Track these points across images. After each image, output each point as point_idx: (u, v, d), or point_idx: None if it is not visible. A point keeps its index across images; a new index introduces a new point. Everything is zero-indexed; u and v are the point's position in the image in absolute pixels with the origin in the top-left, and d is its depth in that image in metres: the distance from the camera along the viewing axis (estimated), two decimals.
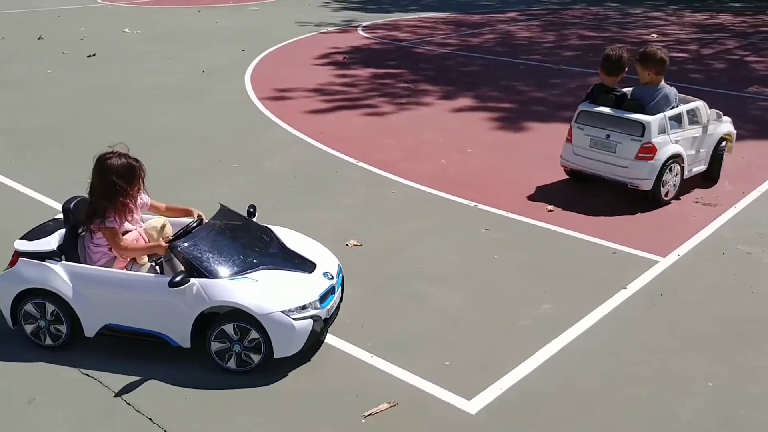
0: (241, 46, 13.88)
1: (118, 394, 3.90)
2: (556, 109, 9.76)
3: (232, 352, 4.02)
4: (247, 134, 8.68)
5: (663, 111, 6.49)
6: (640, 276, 5.20)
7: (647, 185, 6.40)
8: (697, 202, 6.64)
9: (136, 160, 4.33)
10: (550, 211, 6.42)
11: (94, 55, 12.97)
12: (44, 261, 4.20)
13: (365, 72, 12.00)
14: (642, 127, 6.36)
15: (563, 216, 6.31)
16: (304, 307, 4.02)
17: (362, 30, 16.45)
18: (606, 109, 6.62)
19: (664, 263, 5.42)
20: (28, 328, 4.27)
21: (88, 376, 4.07)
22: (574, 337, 4.45)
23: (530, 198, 6.75)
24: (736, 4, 22.09)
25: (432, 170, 7.47)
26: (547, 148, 8.13)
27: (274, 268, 4.22)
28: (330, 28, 16.56)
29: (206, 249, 4.18)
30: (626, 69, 6.75)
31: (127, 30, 15.77)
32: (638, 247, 5.68)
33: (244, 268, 4.14)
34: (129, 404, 3.83)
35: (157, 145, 8.17)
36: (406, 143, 8.38)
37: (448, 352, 4.28)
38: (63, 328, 4.22)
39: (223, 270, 4.08)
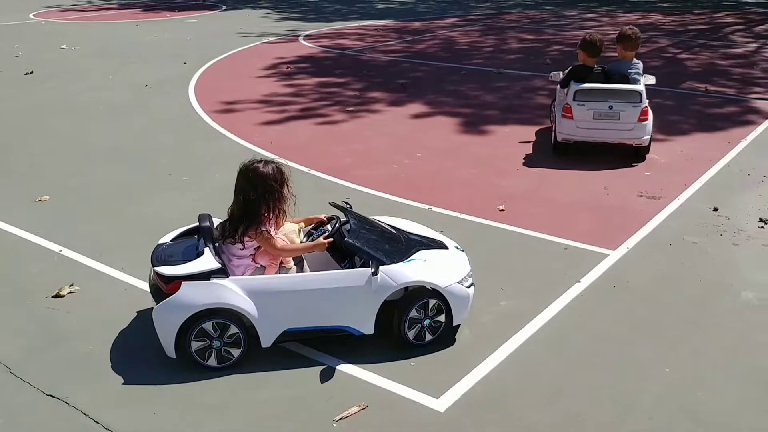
0: (182, 59, 13.73)
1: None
2: (502, 112, 9.96)
3: (423, 327, 4.33)
4: (194, 147, 8.61)
5: (638, 81, 7.74)
6: (592, 269, 5.35)
7: (647, 142, 7.75)
8: (641, 195, 6.86)
9: (281, 164, 4.36)
10: (502, 210, 6.55)
11: (31, 72, 12.66)
12: (210, 280, 4.08)
13: (311, 81, 12.02)
14: (639, 95, 7.60)
15: (515, 215, 6.45)
16: (466, 277, 4.46)
17: (305, 39, 16.46)
18: (604, 85, 7.67)
19: (614, 256, 5.59)
20: (196, 345, 4.09)
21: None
22: (534, 330, 4.56)
23: (482, 199, 6.87)
24: (665, 4, 22.88)
25: (383, 175, 7.54)
26: (495, 150, 8.32)
27: (425, 249, 4.54)
28: (272, 38, 16.52)
29: (365, 241, 4.40)
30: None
31: (64, 46, 15.43)
32: (588, 241, 5.85)
33: (404, 253, 4.42)
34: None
35: (103, 161, 8.03)
36: (356, 150, 8.43)
37: (413, 352, 4.33)
38: (236, 351, 4.15)
39: (392, 256, 4.35)
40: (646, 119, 7.63)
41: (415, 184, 7.29)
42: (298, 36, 16.93)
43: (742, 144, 8.42)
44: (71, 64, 13.71)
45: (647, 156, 7.92)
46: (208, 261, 4.14)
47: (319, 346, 4.38)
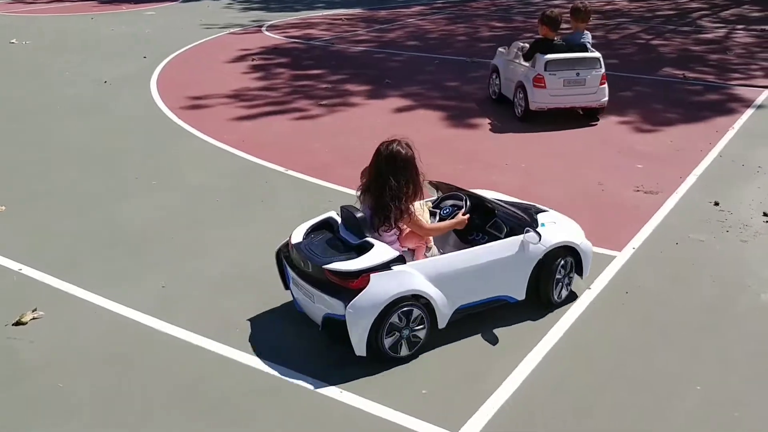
0: (142, 53, 13.10)
1: None
2: (481, 103, 9.61)
3: (563, 285, 4.60)
4: (161, 147, 8.08)
5: (590, 49, 8.56)
6: (601, 274, 5.03)
7: (606, 103, 8.57)
8: (638, 190, 6.57)
9: (409, 140, 4.31)
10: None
11: None
12: (391, 269, 3.97)
13: (281, 73, 11.52)
14: (599, 61, 8.43)
15: None
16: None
17: (271, 30, 15.91)
18: (571, 54, 8.35)
19: (621, 258, 5.28)
20: (388, 342, 3.98)
21: None
22: (551, 345, 4.21)
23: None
24: None
25: None
26: (478, 144, 7.95)
27: (541, 213, 4.76)
28: (236, 29, 15.93)
29: (503, 212, 4.68)
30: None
31: (14, 41, 14.64)
32: (592, 243, 5.52)
33: (534, 219, 4.55)
34: None
35: (65, 164, 7.48)
36: (335, 146, 8.00)
37: (422, 379, 3.94)
38: (422, 333, 4.10)
39: (532, 222, 4.48)
40: (605, 83, 8.51)
41: None
42: (263, 26, 16.37)
43: (730, 133, 8.20)
44: (24, 59, 12.98)
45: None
46: (385, 250, 4.02)
47: (319, 374, 3.96)
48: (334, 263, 3.96)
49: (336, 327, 3.94)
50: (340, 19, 17.49)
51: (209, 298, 4.78)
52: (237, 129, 8.69)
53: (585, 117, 8.76)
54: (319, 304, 4.04)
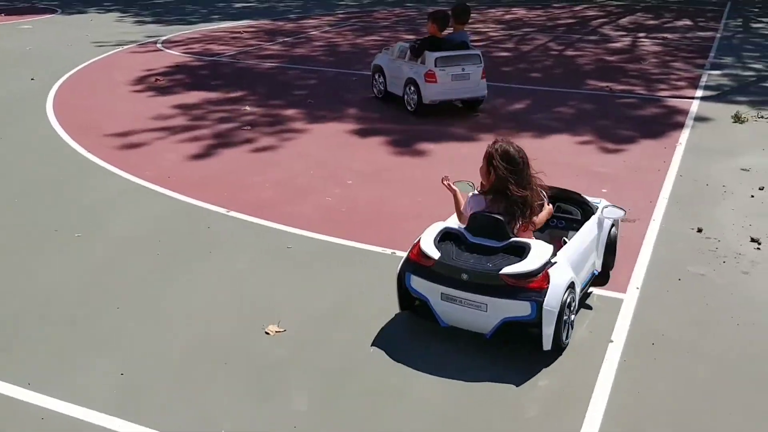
0: (28, 74, 11.72)
1: None
2: (419, 124, 9.06)
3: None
4: (75, 189, 7.01)
5: (472, 47, 9.41)
6: (616, 322, 4.56)
7: (486, 95, 9.47)
8: None
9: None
10: None
11: None
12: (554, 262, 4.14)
13: (193, 95, 10.54)
14: (480, 57, 9.24)
15: None
16: None
17: (168, 45, 14.76)
18: (457, 51, 9.04)
19: (629, 301, 4.84)
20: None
21: None
22: (597, 418, 3.66)
23: None
24: None
25: (319, 212, 6.41)
26: (428, 172, 7.32)
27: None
28: (131, 46, 14.66)
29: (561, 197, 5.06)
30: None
31: None
32: (594, 284, 5.08)
33: (585, 199, 5.06)
34: None
35: None
36: (276, 179, 7.21)
37: None
38: (573, 318, 4.29)
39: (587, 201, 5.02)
40: (485, 77, 9.30)
41: (360, 221, 6.23)
42: (158, 42, 15.18)
43: (680, 149, 8.06)
44: None
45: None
46: (542, 246, 4.18)
47: None
48: (508, 267, 4.02)
49: (514, 329, 4.10)
50: (240, 32, 16.53)
51: (177, 389, 3.93)
52: (157, 162, 7.73)
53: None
54: (495, 311, 4.06)
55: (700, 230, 5.93)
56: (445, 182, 4.66)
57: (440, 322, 4.27)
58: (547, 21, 18.29)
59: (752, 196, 6.69)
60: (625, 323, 4.57)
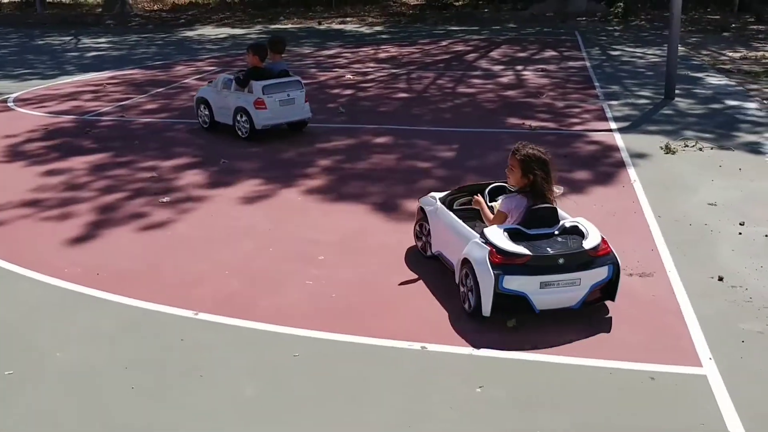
0: None
1: None
2: (368, 179, 8.25)
3: None
4: None
5: (292, 74, 10.12)
6: (719, 407, 4.02)
7: (310, 116, 10.28)
8: (630, 274, 5.72)
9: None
10: (513, 327, 4.93)
11: None
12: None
13: (81, 164, 9.05)
14: (300, 83, 9.98)
15: (518, 336, 4.85)
16: None
17: (23, 104, 12.87)
18: (280, 79, 9.73)
19: (712, 376, 4.33)
20: None
21: None
22: None
23: (458, 320, 5.10)
24: (384, 36, 22.86)
25: (307, 302, 5.43)
26: (402, 236, 6.53)
27: None
28: None
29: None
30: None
31: None
32: (659, 359, 4.53)
33: None
34: None
35: None
36: (229, 264, 6.11)
37: None
38: None
39: None
40: (308, 100, 10.12)
41: (360, 308, 5.33)
42: (7, 100, 13.23)
43: (638, 187, 7.84)
44: None
45: None
46: (585, 222, 5.17)
47: None
48: (586, 243, 4.87)
49: (603, 292, 5.02)
50: (103, 85, 14.85)
51: None
52: (72, 255, 6.35)
53: None
54: (586, 282, 4.83)
55: (721, 279, 5.62)
56: (476, 205, 5.40)
57: (534, 310, 4.83)
58: (423, 57, 18.06)
59: (740, 234, 6.52)
60: (729, 408, 4.04)
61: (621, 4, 25.24)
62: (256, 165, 8.93)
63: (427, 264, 5.97)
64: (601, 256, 4.87)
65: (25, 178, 8.58)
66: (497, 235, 4.84)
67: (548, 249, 4.80)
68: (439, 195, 5.92)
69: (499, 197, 5.34)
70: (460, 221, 5.42)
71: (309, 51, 19.49)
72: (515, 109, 11.87)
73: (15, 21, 29.52)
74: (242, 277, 5.86)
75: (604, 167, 8.66)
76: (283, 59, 10.22)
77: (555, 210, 5.06)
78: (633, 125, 10.65)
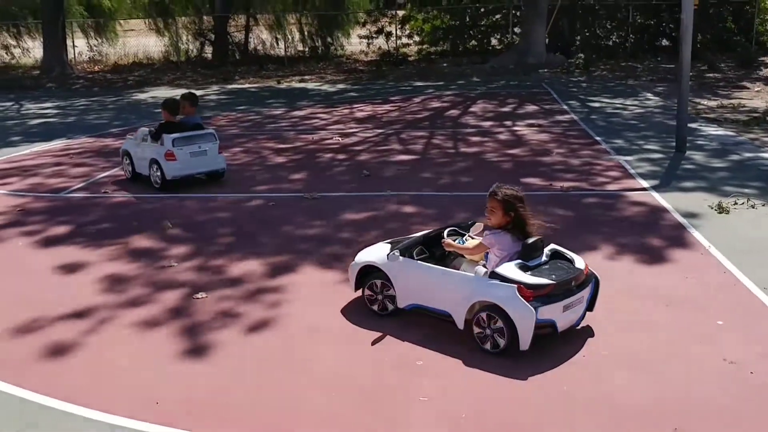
0: None
1: None
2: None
3: None
4: None
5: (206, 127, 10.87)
6: None
7: (225, 167, 10.78)
8: (752, 372, 4.98)
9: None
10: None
11: None
12: None
13: (72, 253, 7.82)
14: (214, 135, 10.56)
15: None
16: None
17: None
18: (192, 132, 10.27)
19: None
20: None
21: None
22: None
23: None
24: (354, 94, 22.19)
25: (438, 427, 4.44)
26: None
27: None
28: None
29: None
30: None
31: None
32: None
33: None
34: None
35: None
36: (326, 379, 5.06)
37: None
38: None
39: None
40: (222, 152, 10.76)
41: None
42: None
43: (716, 252, 7.23)
44: None
45: None
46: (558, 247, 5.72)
47: None
48: (579, 265, 5.47)
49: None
50: (70, 155, 13.53)
51: None
52: (105, 376, 5.18)
53: None
54: (585, 299, 5.45)
55: None
56: (448, 248, 5.69)
57: (557, 333, 5.21)
58: (404, 115, 17.37)
59: None
60: None
61: (581, 55, 25.42)
62: (277, 241, 7.91)
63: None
64: (588, 274, 5.49)
65: (20, 274, 7.31)
66: (514, 272, 5.13)
67: (552, 275, 5.20)
68: (386, 251, 5.79)
69: (469, 236, 5.84)
70: (441, 267, 5.56)
71: (280, 112, 18.58)
72: (531, 168, 11.25)
73: None
74: (291, 414, 4.82)
75: (666, 231, 8.01)
76: (195, 114, 10.76)
77: (542, 241, 5.44)
78: (664, 183, 10.14)
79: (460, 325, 5.41)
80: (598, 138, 13.50)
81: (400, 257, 5.64)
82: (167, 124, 10.24)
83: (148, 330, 5.92)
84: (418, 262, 5.71)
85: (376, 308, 6.00)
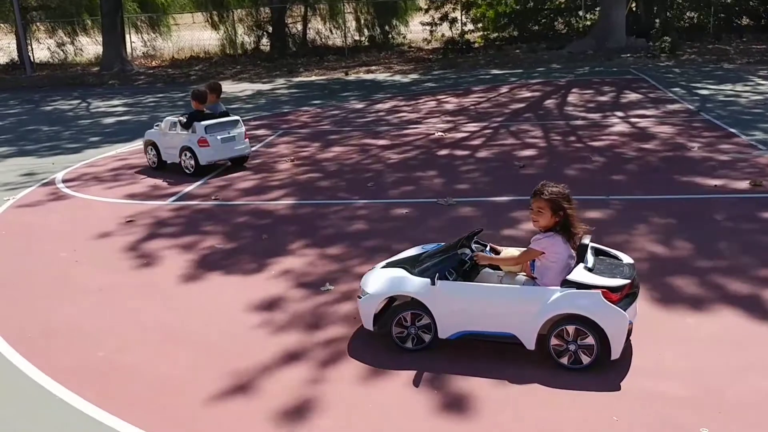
0: None
1: None
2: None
3: None
4: None
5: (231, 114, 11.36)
6: None
7: (250, 152, 11.54)
8: None
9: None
10: None
11: None
12: None
13: (214, 266, 6.93)
14: (239, 122, 11.18)
15: None
16: None
17: (77, 187, 10.67)
18: (221, 119, 10.89)
19: None
20: None
21: None
22: None
23: None
24: (431, 85, 21.12)
25: None
26: None
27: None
28: (19, 195, 10.41)
29: None
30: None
31: None
32: None
33: None
34: None
35: None
36: None
37: None
38: None
39: None
40: (247, 137, 11.34)
41: None
42: (55, 183, 11.03)
43: None
44: None
45: None
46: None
47: None
48: (625, 259, 5.15)
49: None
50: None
51: None
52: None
53: None
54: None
55: None
56: (482, 261, 5.15)
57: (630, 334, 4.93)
58: (497, 107, 16.25)
59: None
60: None
61: (667, 38, 23.95)
62: None
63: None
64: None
65: (174, 307, 6.43)
66: (589, 277, 4.75)
67: (618, 274, 4.85)
68: (413, 277, 5.09)
69: (492, 246, 5.43)
70: (498, 285, 5.03)
71: (362, 106, 17.59)
72: (688, 166, 10.05)
73: (5, 85, 27.21)
74: None
75: None
76: (219, 102, 11.31)
77: (588, 245, 4.99)
78: None
79: (531, 345, 4.81)
80: (733, 130, 12.25)
81: (437, 282, 4.91)
82: (197, 112, 10.77)
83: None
84: (467, 283, 5.03)
85: (410, 345, 5.13)
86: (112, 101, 21.23)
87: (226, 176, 10.84)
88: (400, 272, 5.17)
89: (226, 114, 11.16)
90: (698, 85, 17.73)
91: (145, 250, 7.70)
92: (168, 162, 11.23)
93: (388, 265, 5.38)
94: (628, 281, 4.76)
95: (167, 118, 11.25)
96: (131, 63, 30.03)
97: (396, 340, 5.14)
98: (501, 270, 5.24)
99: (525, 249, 5.06)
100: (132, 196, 10.03)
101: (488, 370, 4.87)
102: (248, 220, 8.67)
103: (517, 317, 4.78)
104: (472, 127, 13.84)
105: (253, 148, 12.38)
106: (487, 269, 5.24)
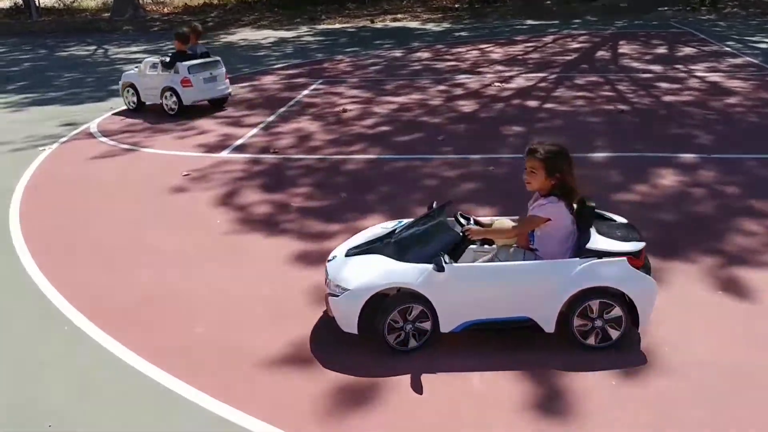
0: None
1: None
2: None
3: None
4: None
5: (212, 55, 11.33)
6: None
7: (230, 92, 11.51)
8: None
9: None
10: None
11: None
12: None
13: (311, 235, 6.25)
14: (220, 62, 11.21)
15: None
16: None
17: (119, 138, 9.88)
18: (203, 59, 10.93)
19: None
20: None
21: None
22: None
23: None
24: (467, 34, 20.18)
25: None
26: None
27: None
28: (63, 140, 9.66)
29: None
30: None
31: None
32: None
33: None
34: None
35: None
36: None
37: None
38: None
39: None
40: (228, 78, 11.33)
41: None
42: (88, 132, 10.25)
43: None
44: None
45: None
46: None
47: None
48: (624, 220, 4.72)
49: None
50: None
51: None
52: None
53: None
54: None
55: None
56: (473, 236, 4.43)
57: None
58: (549, 57, 15.38)
59: None
60: None
61: None
62: None
63: None
64: None
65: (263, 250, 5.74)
66: (609, 243, 4.27)
67: (630, 237, 4.39)
68: (405, 264, 4.27)
69: (475, 218, 4.64)
70: (509, 263, 4.36)
71: (400, 54, 16.68)
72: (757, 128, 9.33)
73: (12, 30, 26.09)
74: None
75: None
76: (199, 43, 11.23)
77: (594, 209, 4.40)
78: None
79: (550, 327, 4.25)
80: None
81: (446, 270, 4.12)
82: (179, 53, 10.73)
83: None
84: (479, 265, 4.35)
85: (415, 342, 4.33)
86: (130, 47, 20.27)
87: (276, 127, 10.07)
88: (382, 260, 4.31)
89: (207, 54, 11.16)
90: (753, 38, 16.86)
91: (218, 205, 7.00)
92: (147, 103, 11.25)
93: (356, 252, 4.49)
94: (643, 244, 4.32)
95: (146, 59, 11.30)
96: (143, 9, 28.83)
97: (395, 347, 4.29)
98: (493, 244, 4.58)
99: (526, 218, 4.39)
100: (180, 147, 9.27)
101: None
102: (321, 176, 7.94)
103: (534, 298, 4.19)
104: (530, 79, 13.01)
105: (296, 98, 11.62)
106: (473, 246, 4.54)
